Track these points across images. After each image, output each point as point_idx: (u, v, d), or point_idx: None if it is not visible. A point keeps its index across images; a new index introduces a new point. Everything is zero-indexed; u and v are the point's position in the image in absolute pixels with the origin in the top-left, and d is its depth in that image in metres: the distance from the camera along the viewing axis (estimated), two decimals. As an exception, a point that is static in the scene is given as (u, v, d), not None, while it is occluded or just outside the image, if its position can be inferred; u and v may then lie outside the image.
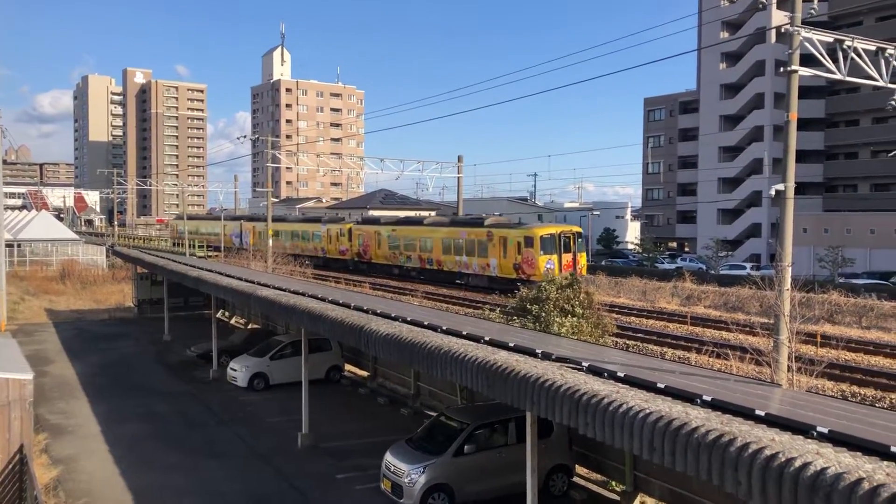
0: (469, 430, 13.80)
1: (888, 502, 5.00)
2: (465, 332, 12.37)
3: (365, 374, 24.40)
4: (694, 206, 78.70)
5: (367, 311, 15.19)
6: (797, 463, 5.67)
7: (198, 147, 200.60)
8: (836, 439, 6.58)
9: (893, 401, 19.87)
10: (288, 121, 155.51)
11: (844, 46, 16.99)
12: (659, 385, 8.68)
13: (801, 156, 53.49)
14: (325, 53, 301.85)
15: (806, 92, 61.43)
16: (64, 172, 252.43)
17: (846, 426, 7.28)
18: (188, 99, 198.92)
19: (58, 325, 35.54)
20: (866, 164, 70.03)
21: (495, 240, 44.15)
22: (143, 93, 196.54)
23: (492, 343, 11.56)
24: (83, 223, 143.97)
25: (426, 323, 13.47)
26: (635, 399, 7.69)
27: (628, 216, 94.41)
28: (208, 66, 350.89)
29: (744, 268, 57.38)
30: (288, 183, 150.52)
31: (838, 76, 17.09)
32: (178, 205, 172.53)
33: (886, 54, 17.47)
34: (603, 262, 64.36)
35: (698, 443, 6.50)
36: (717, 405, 7.85)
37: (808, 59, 16.53)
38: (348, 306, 16.05)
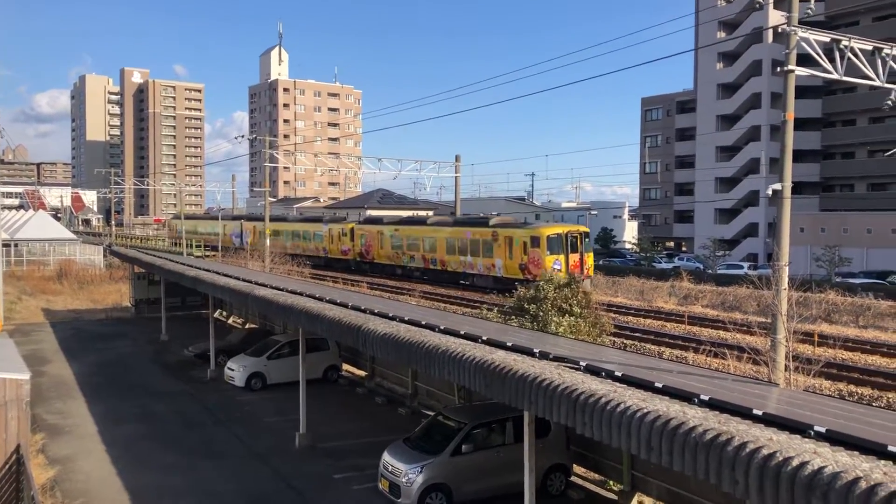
0: (467, 429, 13.79)
1: (885, 501, 5.01)
2: (462, 332, 12.37)
3: (363, 373, 24.40)
4: (691, 206, 78.77)
5: (364, 311, 15.18)
6: (794, 462, 5.67)
7: (195, 147, 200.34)
8: (834, 438, 6.58)
9: (890, 400, 19.89)
10: (286, 120, 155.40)
11: (841, 46, 17.00)
12: (656, 384, 8.69)
13: (798, 155, 53.62)
14: (323, 53, 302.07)
15: (803, 92, 61.46)
16: (61, 172, 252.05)
17: (843, 425, 7.29)
18: (186, 99, 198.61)
19: (55, 325, 35.49)
20: (863, 164, 70.14)
21: (501, 240, 43.49)
22: (141, 92, 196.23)
23: (489, 342, 11.56)
24: (80, 223, 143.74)
25: (424, 322, 13.46)
26: (633, 398, 7.69)
27: (626, 216, 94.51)
28: (206, 65, 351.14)
29: (741, 267, 57.43)
30: (286, 183, 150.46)
31: (835, 76, 17.10)
32: (175, 204, 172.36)
33: (883, 54, 17.48)
34: (600, 262, 64.35)
35: (696, 442, 6.51)
36: (714, 404, 7.85)
37: (804, 59, 16.52)
38: (346, 306, 16.05)
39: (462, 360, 10.17)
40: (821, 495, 5.37)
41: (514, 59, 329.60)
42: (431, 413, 17.71)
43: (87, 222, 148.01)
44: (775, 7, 50.72)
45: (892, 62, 17.53)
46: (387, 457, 13.93)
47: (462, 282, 47.17)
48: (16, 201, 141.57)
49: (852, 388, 21.12)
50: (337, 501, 14.24)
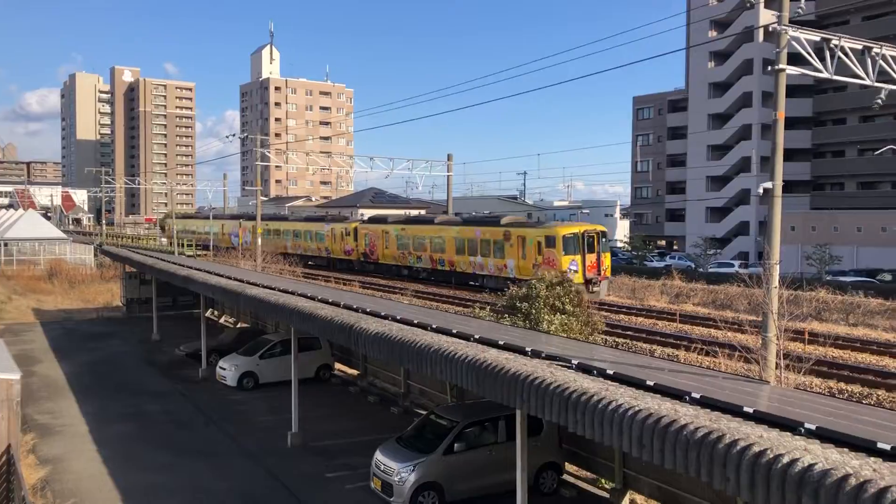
0: (459, 428, 13.80)
1: (875, 498, 5.04)
2: (454, 331, 12.37)
3: (355, 372, 24.37)
4: (683, 205, 78.99)
5: (356, 310, 15.17)
6: (785, 459, 5.70)
7: (186, 146, 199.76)
8: (824, 436, 6.62)
9: (880, 397, 20.01)
10: (277, 119, 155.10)
11: (831, 45, 17.09)
12: (648, 382, 8.71)
13: (789, 154, 53.69)
14: (315, 52, 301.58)
15: (793, 90, 61.71)
16: (51, 171, 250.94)
17: (833, 423, 7.33)
18: (177, 97, 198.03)
19: (45, 325, 35.33)
20: (853, 163, 70.48)
21: (513, 239, 41.81)
22: (132, 91, 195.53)
23: (481, 341, 11.57)
24: (71, 222, 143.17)
25: (416, 321, 13.46)
26: (624, 396, 7.72)
27: (617, 214, 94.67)
28: (197, 64, 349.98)
29: (732, 266, 57.62)
30: (277, 181, 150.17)
31: (825, 75, 17.19)
32: (166, 204, 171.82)
33: (873, 53, 17.58)
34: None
35: (687, 440, 6.53)
36: (705, 402, 7.88)
37: (795, 58, 16.62)
38: (338, 305, 16.04)
39: (454, 359, 10.17)
40: (811, 492, 5.40)
41: (506, 58, 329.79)
42: (424, 412, 17.71)
43: (77, 221, 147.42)
44: (766, 6, 50.91)
45: (881, 61, 17.63)
46: (379, 456, 13.92)
47: (472, 283, 45.58)
48: (5, 200, 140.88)
49: (842, 385, 21.23)
50: (329, 500, 14.23)
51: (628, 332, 29.48)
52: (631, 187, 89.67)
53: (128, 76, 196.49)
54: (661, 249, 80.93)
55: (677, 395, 8.22)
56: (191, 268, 27.55)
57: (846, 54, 17.24)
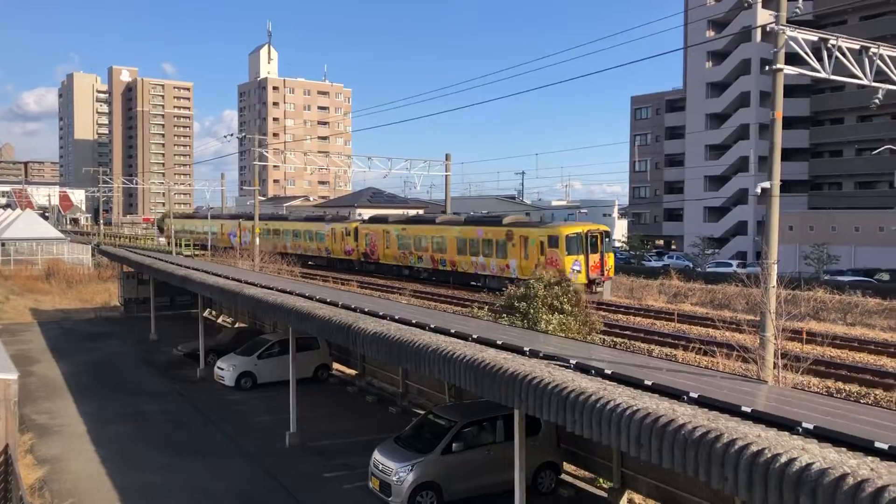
0: (457, 428, 13.80)
1: (872, 497, 5.05)
2: (453, 331, 12.38)
3: (353, 372, 24.37)
4: (681, 204, 79.07)
5: (354, 310, 15.17)
6: (783, 459, 5.71)
7: (184, 145, 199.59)
8: (822, 435, 6.63)
9: (878, 397, 20.04)
10: (275, 119, 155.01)
11: (829, 45, 17.10)
12: (646, 382, 8.72)
13: (787, 154, 53.76)
14: (313, 52, 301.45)
15: (791, 90, 61.78)
16: (49, 171, 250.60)
17: (831, 422, 7.35)
18: (175, 97, 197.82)
19: (43, 325, 35.29)
20: (851, 162, 70.58)
21: (515, 239, 41.41)
22: (130, 91, 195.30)
23: (480, 341, 11.57)
24: (68, 222, 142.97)
25: (414, 321, 13.46)
26: (622, 396, 7.72)
27: (615, 214, 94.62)
28: (195, 64, 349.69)
29: (730, 265, 57.70)
30: (275, 181, 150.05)
31: (823, 75, 17.20)
32: (164, 203, 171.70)
33: (870, 53, 17.59)
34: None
35: (685, 439, 6.54)
36: (703, 402, 7.89)
37: (793, 58, 16.63)
38: (336, 305, 16.03)
39: (452, 359, 10.17)
40: (809, 491, 5.41)
41: (504, 57, 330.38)
42: (422, 412, 17.71)
43: (75, 221, 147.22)
44: (764, 6, 50.99)
45: (879, 61, 17.64)
46: (377, 455, 13.92)
47: (473, 283, 45.12)
48: (3, 200, 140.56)
49: (840, 385, 21.25)
50: (327, 500, 14.22)
51: (626, 332, 29.50)
52: (629, 187, 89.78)
53: (126, 76, 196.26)
54: (659, 249, 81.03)
55: (675, 394, 8.23)
56: (188, 267, 27.53)
57: (844, 54, 17.26)
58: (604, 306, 36.34)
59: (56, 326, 34.97)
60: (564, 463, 15.08)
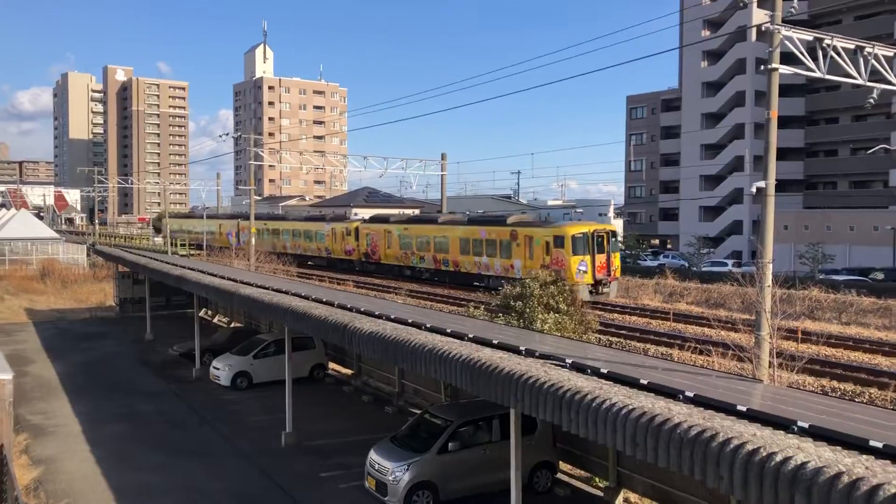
0: (453, 427, 13.81)
1: (867, 495, 5.06)
2: (449, 330, 12.38)
3: (349, 372, 24.36)
4: (676, 204, 79.19)
5: (350, 309, 15.17)
6: (778, 458, 5.72)
7: (180, 145, 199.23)
8: (817, 434, 6.65)
9: (872, 395, 20.08)
10: (270, 118, 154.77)
11: (824, 45, 17.14)
12: (642, 381, 8.73)
13: (782, 153, 53.99)
14: (308, 51, 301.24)
15: (786, 90, 61.96)
16: (44, 170, 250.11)
17: (826, 421, 7.37)
18: (170, 97, 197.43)
19: (38, 325, 35.21)
20: (846, 162, 70.77)
21: (520, 239, 40.56)
22: (125, 90, 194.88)
23: (475, 340, 11.57)
24: (63, 222, 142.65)
25: (410, 321, 13.47)
26: (618, 395, 7.73)
27: (611, 214, 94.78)
28: (190, 63, 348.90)
29: (725, 265, 57.81)
30: (271, 181, 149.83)
31: (818, 74, 17.23)
32: (159, 203, 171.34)
33: (865, 53, 17.64)
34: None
35: (681, 438, 6.55)
36: (699, 401, 7.90)
37: (788, 58, 16.67)
38: (332, 304, 16.02)
39: (448, 358, 10.18)
40: (804, 490, 5.43)
41: (500, 57, 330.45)
42: (418, 411, 17.72)
43: (70, 221, 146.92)
44: (759, 6, 51.05)
45: (873, 61, 17.69)
46: (373, 455, 13.92)
47: (476, 284, 44.09)
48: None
49: (835, 384, 21.29)
50: (323, 500, 14.22)
51: (622, 331, 29.52)
52: (625, 186, 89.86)
53: (121, 75, 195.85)
54: (654, 248, 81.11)
55: (671, 393, 8.24)
56: (184, 267, 27.49)
57: (838, 54, 17.30)
58: (599, 305, 36.37)
59: (51, 326, 34.89)
60: (560, 462, 15.10)
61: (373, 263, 54.48)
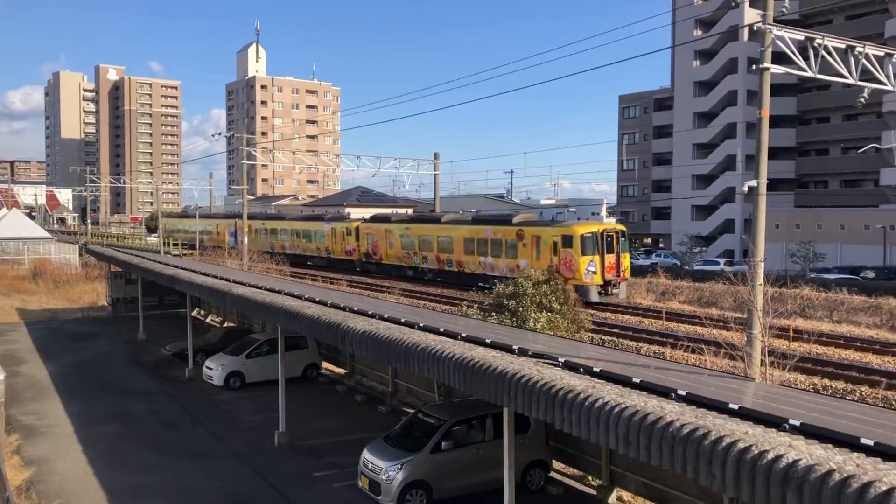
0: (446, 426, 13.82)
1: (858, 493, 5.09)
2: (442, 329, 12.39)
3: (342, 371, 24.35)
4: (668, 203, 79.37)
5: (343, 309, 15.16)
6: (770, 455, 5.75)
7: (172, 144, 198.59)
8: (808, 432, 6.68)
9: (863, 393, 20.18)
10: (263, 118, 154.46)
11: (815, 44, 17.20)
12: (634, 380, 8.76)
13: (774, 152, 54.10)
14: (301, 51, 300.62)
15: (778, 89, 62.12)
16: (35, 170, 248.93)
17: (817, 419, 7.40)
18: (162, 96, 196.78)
19: (30, 325, 35.06)
20: (837, 161, 71.06)
21: (527, 239, 39.52)
22: (117, 90, 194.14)
23: (469, 339, 11.58)
24: (55, 221, 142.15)
25: (403, 320, 13.47)
26: (611, 394, 7.75)
27: (604, 213, 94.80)
28: (183, 62, 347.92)
29: (717, 263, 57.95)
30: (264, 180, 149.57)
31: (809, 74, 17.30)
32: (152, 203, 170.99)
33: (856, 52, 17.71)
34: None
35: (673, 437, 6.57)
36: (691, 399, 7.93)
37: (779, 57, 16.73)
38: (325, 304, 16.01)
39: (441, 358, 10.19)
40: (795, 488, 5.45)
41: (493, 56, 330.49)
42: (411, 410, 17.72)
43: (62, 221, 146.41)
44: (751, 5, 51.22)
45: (864, 60, 17.77)
46: (367, 454, 13.92)
47: (481, 284, 42.19)
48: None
49: (826, 382, 21.39)
50: (317, 499, 14.21)
51: (615, 330, 29.59)
52: (617, 186, 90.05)
53: (112, 75, 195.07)
54: (647, 247, 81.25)
55: (663, 392, 8.27)
56: (176, 267, 27.43)
57: (830, 53, 17.37)
58: (592, 304, 36.42)
59: (43, 326, 34.75)
60: (553, 461, 15.13)
61: (374, 264, 53.41)
